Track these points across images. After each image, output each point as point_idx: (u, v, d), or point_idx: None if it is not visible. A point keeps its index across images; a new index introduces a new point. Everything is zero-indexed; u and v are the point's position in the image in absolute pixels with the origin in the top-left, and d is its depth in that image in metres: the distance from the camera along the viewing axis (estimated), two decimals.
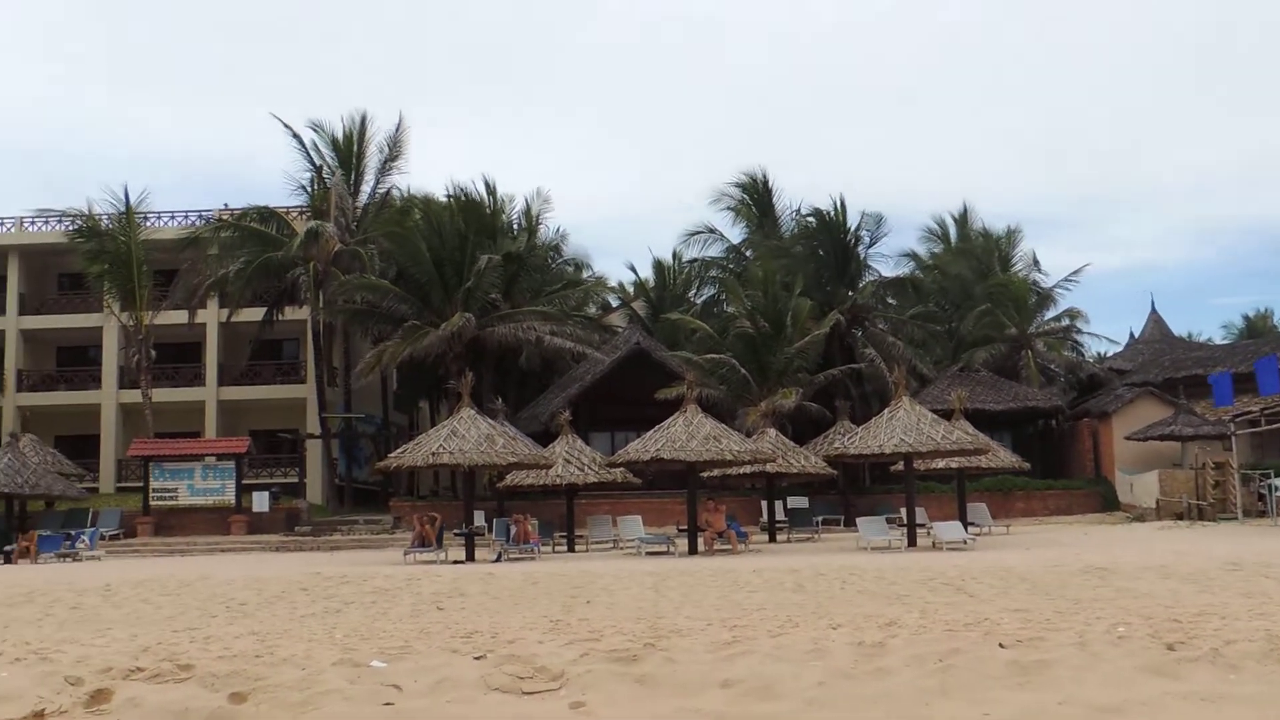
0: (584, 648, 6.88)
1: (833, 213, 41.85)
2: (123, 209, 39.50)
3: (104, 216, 39.67)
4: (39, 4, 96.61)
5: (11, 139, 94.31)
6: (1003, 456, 29.99)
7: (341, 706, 5.15)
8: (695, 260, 47.30)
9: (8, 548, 29.29)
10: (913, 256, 47.75)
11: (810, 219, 43.13)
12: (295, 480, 41.33)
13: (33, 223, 44.28)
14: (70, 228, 40.09)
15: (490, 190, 41.52)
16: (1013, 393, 40.37)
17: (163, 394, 41.34)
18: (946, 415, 28.54)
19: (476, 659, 6.32)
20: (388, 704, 5.18)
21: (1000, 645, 6.93)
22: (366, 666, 6.12)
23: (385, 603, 17.20)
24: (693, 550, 25.50)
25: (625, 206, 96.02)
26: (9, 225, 44.78)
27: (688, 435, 25.31)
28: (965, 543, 25.07)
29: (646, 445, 25.54)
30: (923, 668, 5.96)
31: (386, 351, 36.04)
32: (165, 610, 17.13)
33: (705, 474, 28.91)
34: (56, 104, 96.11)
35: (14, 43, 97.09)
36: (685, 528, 26.71)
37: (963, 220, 49.44)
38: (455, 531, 27.11)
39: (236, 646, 7.67)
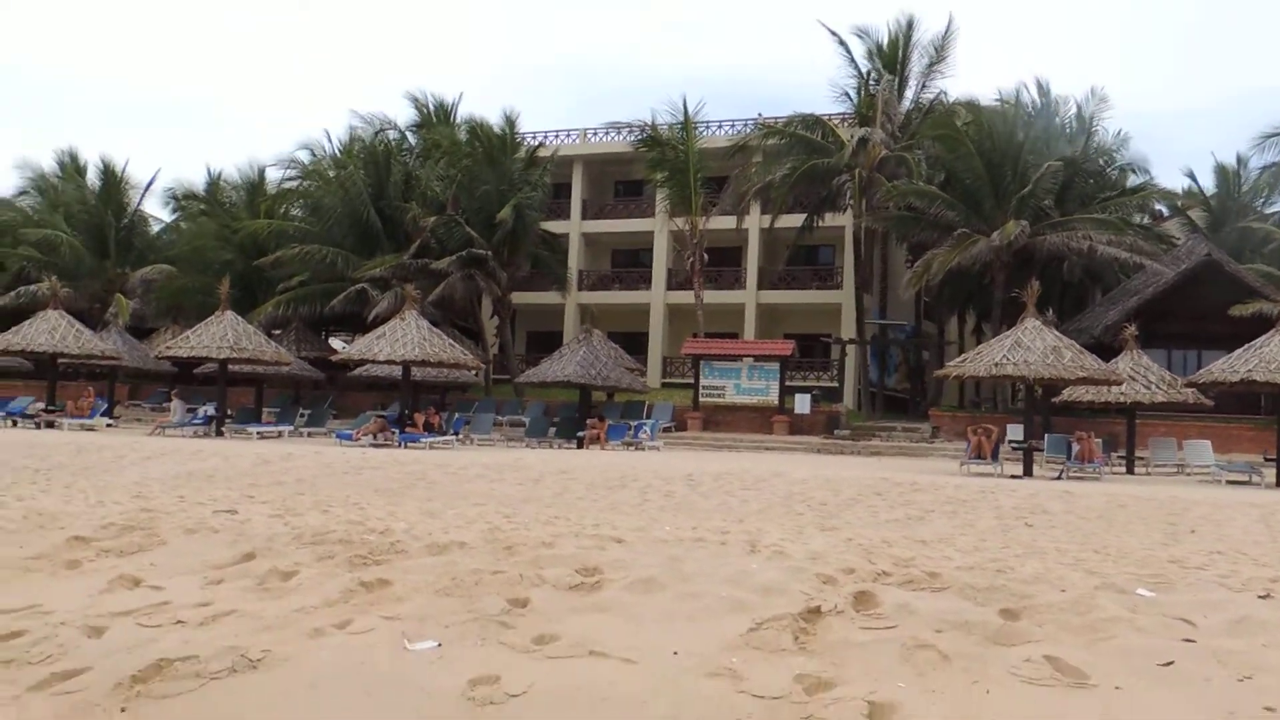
0: None
1: None
2: (680, 120, 41.25)
3: (664, 127, 41.64)
4: None
5: (573, 61, 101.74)
6: None
7: (1135, 638, 4.76)
8: (1269, 166, 42.55)
9: (580, 434, 31.69)
10: None
11: None
12: (826, 384, 42.01)
13: (595, 134, 47.48)
14: (633, 139, 42.46)
15: (1043, 91, 39.41)
16: None
17: (706, 296, 43.17)
18: None
19: (1261, 598, 5.74)
20: (1188, 640, 4.73)
21: None
22: (1133, 594, 5.70)
23: (967, 514, 16.88)
24: None
25: (1176, 108, 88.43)
26: (574, 137, 48.30)
27: None
28: None
29: (1235, 365, 23.37)
30: None
31: (936, 260, 35.31)
32: (751, 504, 17.77)
33: None
34: (599, 29, 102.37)
35: None
36: (1272, 457, 24.29)
37: None
38: (1013, 444, 26.28)
39: (959, 559, 7.52)
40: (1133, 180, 43.06)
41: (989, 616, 5.09)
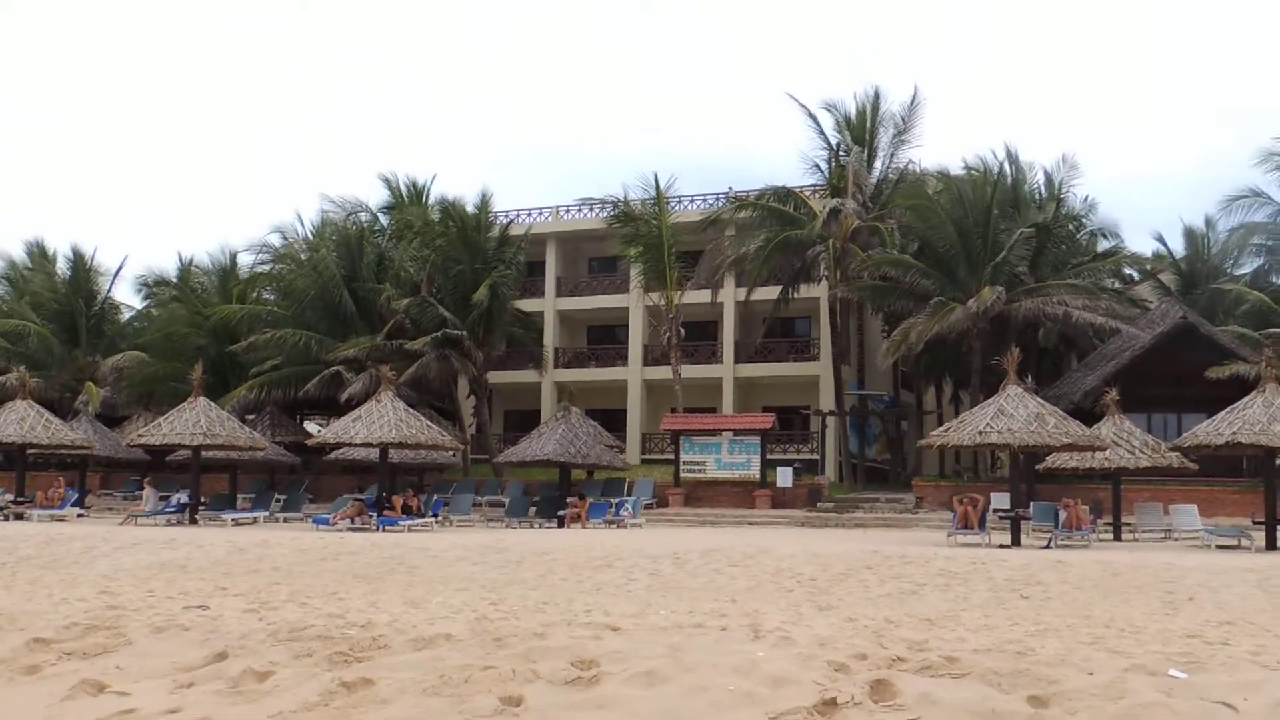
0: None
1: None
2: (652, 195, 41.37)
3: (636, 202, 41.73)
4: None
5: (545, 141, 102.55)
6: None
7: None
8: (1238, 227, 42.87)
9: (560, 513, 31.23)
10: None
11: None
12: (806, 456, 41.70)
13: (567, 211, 47.53)
14: (606, 215, 42.50)
15: (1012, 159, 39.75)
16: None
17: (683, 371, 42.92)
18: None
19: None
20: None
21: None
22: (1165, 675, 5.39)
23: (960, 586, 16.55)
24: (1270, 546, 23.03)
25: (1142, 172, 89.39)
26: (547, 214, 48.31)
27: (1269, 417, 22.77)
28: None
29: (1219, 428, 23.25)
30: None
31: (914, 329, 35.22)
32: (740, 582, 17.40)
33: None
34: (573, 109, 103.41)
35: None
36: (1260, 520, 24.08)
37: None
38: (999, 513, 26.02)
39: (974, 640, 7.18)
40: (1103, 245, 43.33)
41: (1017, 705, 4.77)
